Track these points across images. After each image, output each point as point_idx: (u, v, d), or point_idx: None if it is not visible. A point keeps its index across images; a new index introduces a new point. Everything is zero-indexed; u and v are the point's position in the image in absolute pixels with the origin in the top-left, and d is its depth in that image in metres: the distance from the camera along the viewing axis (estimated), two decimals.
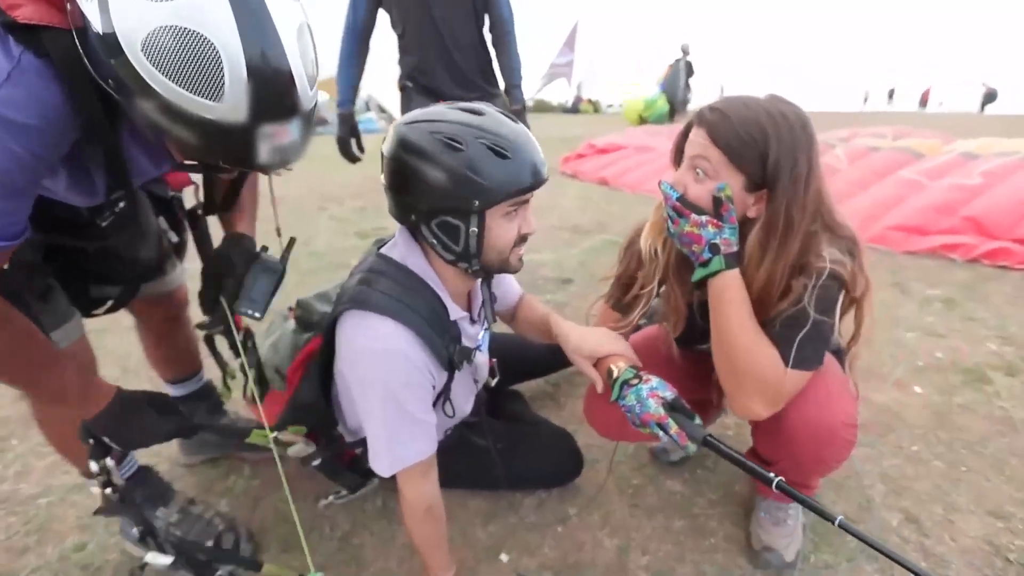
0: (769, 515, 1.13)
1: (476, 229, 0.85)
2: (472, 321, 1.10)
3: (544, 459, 1.31)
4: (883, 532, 1.18)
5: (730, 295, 0.87)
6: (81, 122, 0.65)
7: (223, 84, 0.57)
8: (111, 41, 0.55)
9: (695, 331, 1.04)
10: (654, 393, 0.89)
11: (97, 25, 0.55)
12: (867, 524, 1.20)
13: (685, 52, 9.77)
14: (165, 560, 0.97)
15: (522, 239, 0.93)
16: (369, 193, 4.91)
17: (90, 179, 0.76)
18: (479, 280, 1.07)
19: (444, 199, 0.83)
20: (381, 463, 0.94)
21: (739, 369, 0.88)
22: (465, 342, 1.03)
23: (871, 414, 1.61)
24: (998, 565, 1.10)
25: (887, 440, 1.49)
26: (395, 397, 0.90)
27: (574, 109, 23.11)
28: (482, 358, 1.16)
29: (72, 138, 0.67)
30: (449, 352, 0.98)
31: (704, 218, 0.85)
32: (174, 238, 1.22)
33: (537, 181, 0.87)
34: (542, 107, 27.62)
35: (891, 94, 32.12)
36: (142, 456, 1.21)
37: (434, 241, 0.90)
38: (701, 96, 10.79)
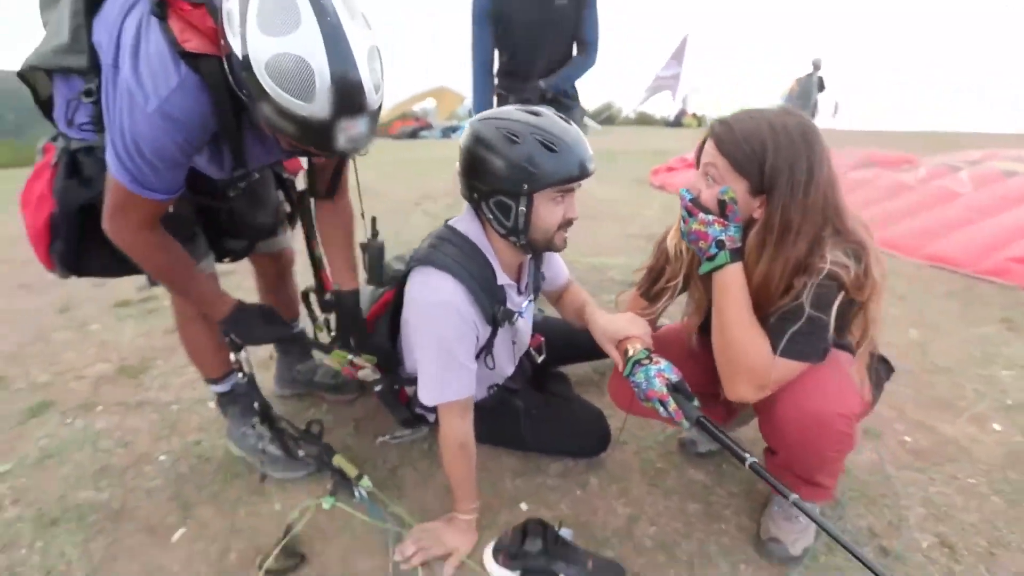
0: (781, 509, 1.16)
1: (524, 209, 1.03)
2: (519, 292, 1.27)
3: (572, 430, 1.43)
4: (908, 550, 1.15)
5: (731, 287, 0.95)
6: (218, 122, 0.93)
7: (314, 91, 0.79)
8: (246, 62, 0.80)
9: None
10: (660, 374, 1.00)
11: (238, 51, 0.80)
12: (891, 540, 1.17)
13: (817, 67, 9.22)
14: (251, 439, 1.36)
15: (567, 223, 1.09)
16: (459, 192, 5.27)
17: (221, 159, 1.05)
18: (528, 256, 1.23)
19: (501, 181, 1.02)
20: (429, 394, 1.12)
21: (731, 354, 0.97)
22: (509, 306, 1.20)
23: (932, 443, 1.52)
24: None
25: (941, 468, 1.41)
26: (445, 341, 1.09)
27: (677, 123, 22.48)
28: (524, 324, 1.33)
29: (212, 132, 0.95)
30: (494, 311, 1.15)
31: (711, 217, 0.94)
32: (288, 209, 1.52)
33: (582, 173, 1.02)
34: (644, 120, 27.09)
35: None
36: None
37: (491, 216, 1.09)
38: (825, 112, 10.14)
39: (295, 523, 1.22)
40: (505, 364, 1.31)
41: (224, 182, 1.16)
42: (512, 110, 1.06)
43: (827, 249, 0.90)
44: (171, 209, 1.16)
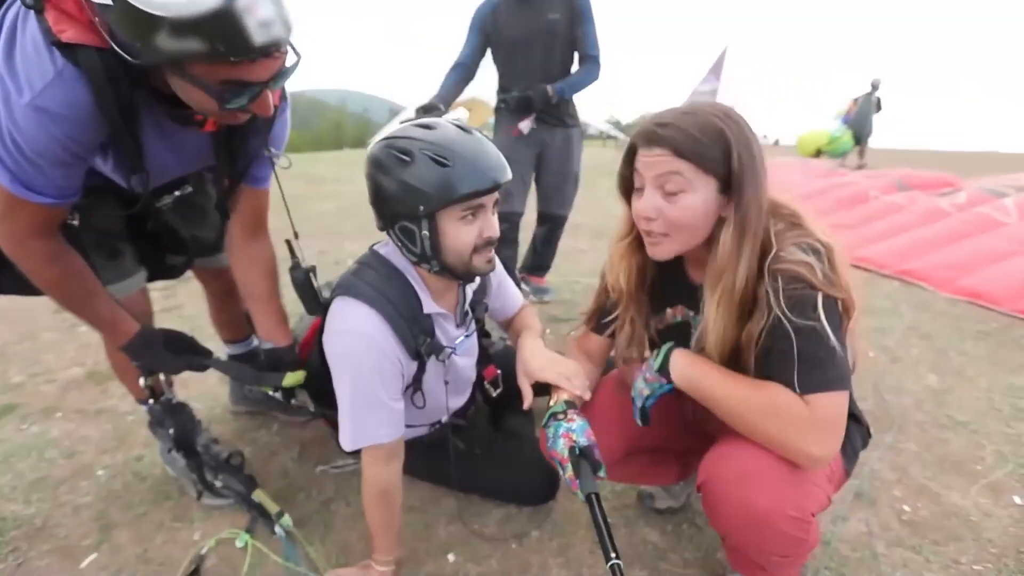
0: None
1: (427, 232, 0.93)
2: (457, 324, 1.16)
3: (519, 474, 1.31)
4: None
5: (696, 370, 0.84)
6: (107, 122, 0.85)
7: None
8: (120, 4, 0.68)
9: None
10: (567, 434, 0.89)
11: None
12: None
13: (875, 87, 9.50)
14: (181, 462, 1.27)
15: (486, 243, 0.98)
16: None
17: (124, 165, 0.97)
18: (463, 283, 1.13)
19: (397, 205, 0.93)
20: (346, 437, 1.02)
21: (764, 427, 0.78)
22: (440, 338, 1.09)
23: (935, 516, 1.33)
24: None
25: (942, 549, 1.22)
26: (363, 378, 0.99)
27: None
28: (462, 360, 1.21)
29: (103, 133, 0.87)
30: (417, 343, 1.04)
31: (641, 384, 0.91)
32: None
33: (485, 187, 0.91)
34: None
35: None
36: (201, 395, 1.47)
37: (399, 243, 0.99)
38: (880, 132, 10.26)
39: (205, 557, 1.15)
40: (439, 402, 1.18)
41: (150, 194, 1.09)
42: (408, 127, 0.96)
43: (784, 246, 0.77)
44: (96, 222, 1.11)
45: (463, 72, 2.29)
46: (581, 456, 0.86)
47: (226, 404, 1.73)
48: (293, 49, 0.83)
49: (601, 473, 0.87)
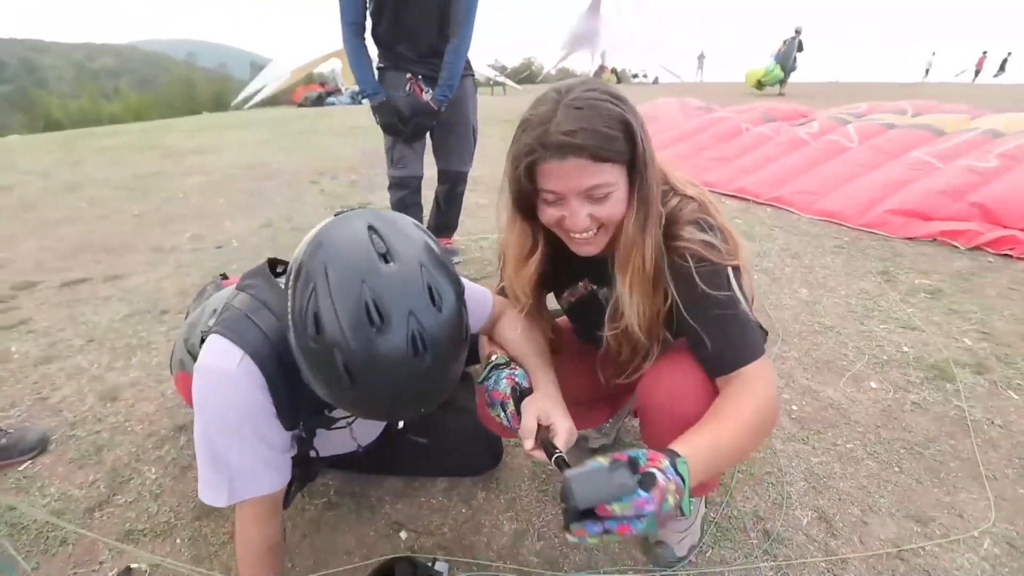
0: None
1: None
2: None
3: (466, 447, 1.30)
4: (788, 530, 1.15)
5: (700, 466, 0.68)
6: None
7: None
8: None
9: (588, 326, 1.01)
10: (511, 376, 0.90)
11: None
12: (775, 522, 1.17)
13: (798, 32, 12.32)
14: None
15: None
16: (363, 167, 4.91)
17: None
18: None
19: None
20: (218, 493, 0.80)
21: (759, 437, 0.79)
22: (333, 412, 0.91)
23: (816, 409, 1.56)
24: (900, 570, 1.07)
25: (823, 437, 1.45)
26: (230, 431, 0.79)
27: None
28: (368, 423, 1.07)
29: None
30: (299, 416, 0.85)
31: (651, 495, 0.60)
32: None
33: (383, 419, 0.77)
34: (565, 76, 26.82)
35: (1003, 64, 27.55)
36: None
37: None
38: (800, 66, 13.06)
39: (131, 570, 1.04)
40: (343, 445, 1.05)
41: None
42: (361, 252, 0.66)
43: (681, 228, 0.81)
44: None
45: (359, 30, 2.09)
46: (522, 396, 0.87)
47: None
48: None
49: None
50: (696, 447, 0.69)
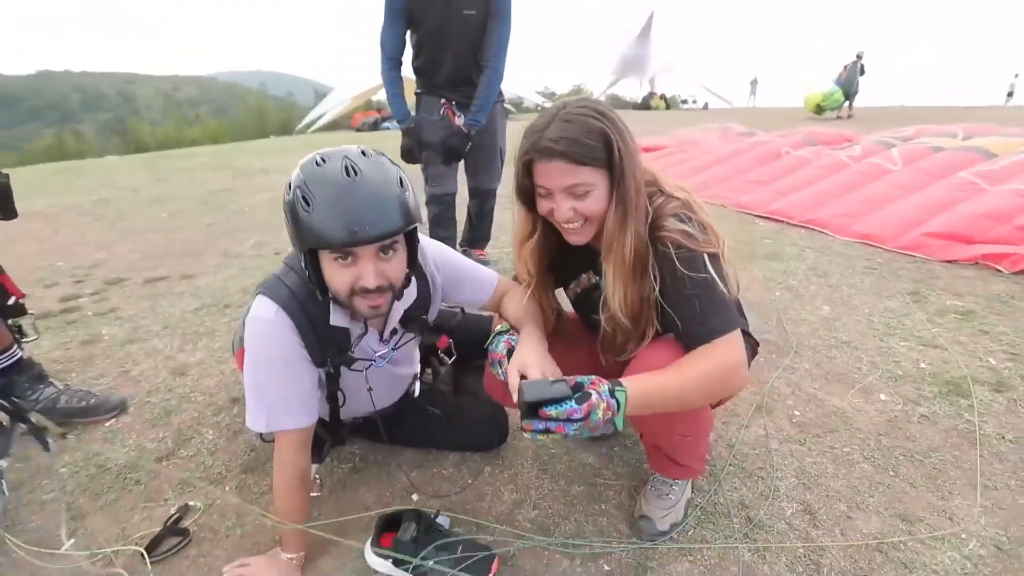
0: (654, 488, 1.21)
1: (304, 264, 0.96)
2: (382, 339, 1.17)
3: (475, 427, 1.45)
4: (771, 519, 1.22)
5: (640, 400, 0.85)
6: None
7: None
8: None
9: (590, 313, 1.14)
10: (508, 340, 1.05)
11: None
12: (759, 510, 1.24)
13: (860, 56, 12.59)
14: None
15: (363, 290, 0.94)
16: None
17: None
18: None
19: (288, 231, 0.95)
20: (258, 421, 1.02)
21: (710, 390, 0.91)
22: (356, 351, 1.11)
23: (818, 416, 1.60)
24: (878, 559, 1.11)
25: (821, 440, 1.49)
26: (269, 367, 1.01)
27: (645, 105, 22.53)
28: (388, 369, 1.21)
29: None
30: (326, 353, 1.05)
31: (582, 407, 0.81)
32: None
33: (336, 242, 0.88)
34: (615, 103, 27.08)
35: None
36: None
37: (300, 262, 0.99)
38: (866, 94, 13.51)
39: (188, 507, 1.27)
40: (363, 402, 1.18)
41: None
42: (314, 155, 0.93)
43: (664, 219, 0.94)
44: None
45: (397, 63, 2.34)
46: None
47: None
48: None
49: None
50: (641, 383, 0.86)
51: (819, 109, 12.79)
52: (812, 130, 5.57)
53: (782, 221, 3.76)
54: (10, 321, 1.57)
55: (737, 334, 0.92)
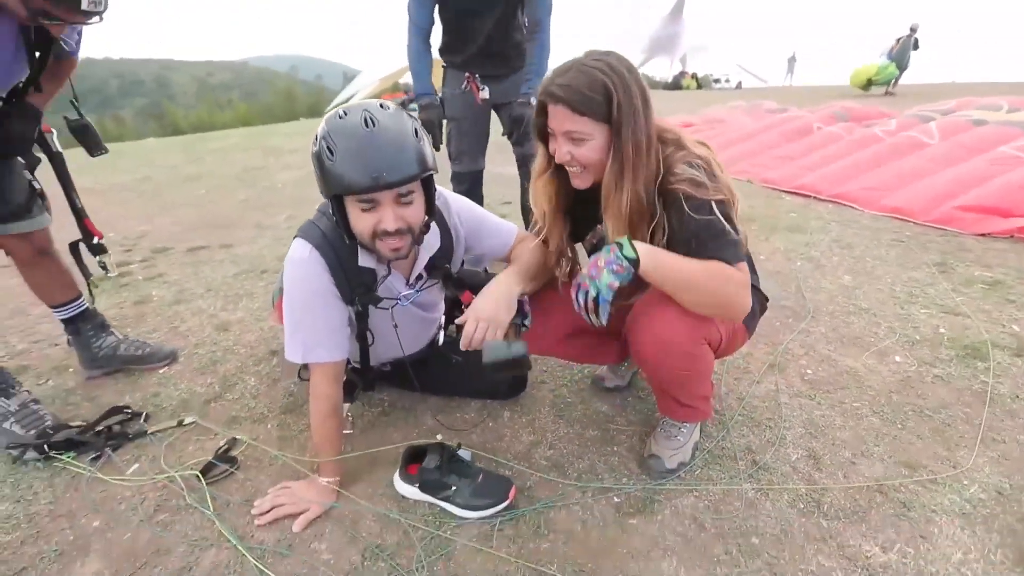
0: (663, 430, 1.28)
1: (334, 212, 1.06)
2: (408, 284, 1.27)
3: (489, 378, 1.53)
4: (776, 462, 1.27)
5: (655, 253, 0.99)
6: None
7: None
8: None
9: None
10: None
11: None
12: (764, 455, 1.30)
13: (914, 30, 11.91)
14: None
15: (384, 233, 1.03)
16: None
17: None
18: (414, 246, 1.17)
19: (316, 179, 1.05)
20: (295, 352, 1.15)
21: (714, 287, 0.98)
22: (381, 291, 1.21)
23: (830, 375, 1.64)
24: (877, 499, 1.16)
25: (831, 396, 1.53)
26: (304, 303, 1.13)
27: (675, 85, 21.99)
28: (413, 311, 1.33)
29: None
30: (354, 292, 1.16)
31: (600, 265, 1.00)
32: (38, 185, 1.57)
33: (364, 186, 0.96)
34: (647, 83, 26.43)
35: None
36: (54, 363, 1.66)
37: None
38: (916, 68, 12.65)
39: (236, 440, 1.41)
40: (391, 342, 1.30)
41: None
42: (337, 109, 1.03)
43: (675, 167, 0.99)
44: None
45: (426, 36, 2.28)
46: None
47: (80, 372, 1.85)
48: None
49: (528, 323, 1.14)
50: (650, 246, 1.00)
51: (868, 84, 11.99)
52: (845, 105, 5.40)
53: (809, 196, 3.70)
54: (97, 258, 1.76)
55: (744, 266, 1.00)
